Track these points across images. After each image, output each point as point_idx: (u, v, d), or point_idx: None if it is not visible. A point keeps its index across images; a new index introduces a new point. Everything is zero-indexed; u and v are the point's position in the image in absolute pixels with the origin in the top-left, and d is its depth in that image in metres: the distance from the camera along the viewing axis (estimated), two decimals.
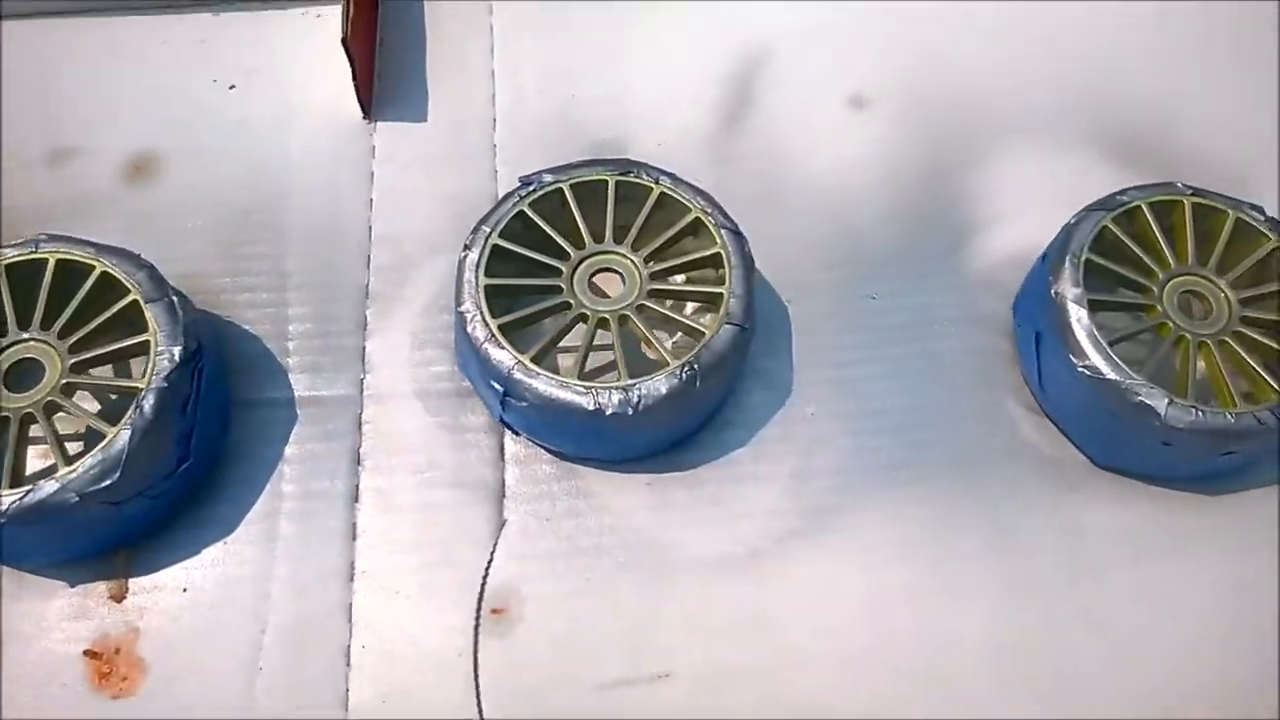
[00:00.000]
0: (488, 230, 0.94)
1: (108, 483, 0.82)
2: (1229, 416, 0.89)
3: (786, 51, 1.19)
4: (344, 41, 1.03)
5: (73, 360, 0.88)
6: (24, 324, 0.89)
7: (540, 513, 0.94)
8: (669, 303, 0.96)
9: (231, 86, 1.14)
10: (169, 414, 0.85)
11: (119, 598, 0.89)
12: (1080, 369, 0.91)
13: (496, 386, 0.89)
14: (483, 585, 0.91)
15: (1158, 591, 0.93)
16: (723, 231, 0.95)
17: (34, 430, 0.87)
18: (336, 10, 1.04)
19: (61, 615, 0.89)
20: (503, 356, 0.88)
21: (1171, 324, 0.94)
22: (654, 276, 0.95)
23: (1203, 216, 0.98)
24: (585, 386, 0.87)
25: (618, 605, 0.91)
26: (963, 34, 1.21)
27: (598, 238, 0.96)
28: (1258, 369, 0.92)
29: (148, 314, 0.88)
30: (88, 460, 0.82)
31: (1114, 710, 0.89)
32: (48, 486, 0.82)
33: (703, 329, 0.91)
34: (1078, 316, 0.92)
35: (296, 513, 0.93)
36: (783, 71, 1.18)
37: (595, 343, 0.92)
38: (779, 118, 1.15)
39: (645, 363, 0.95)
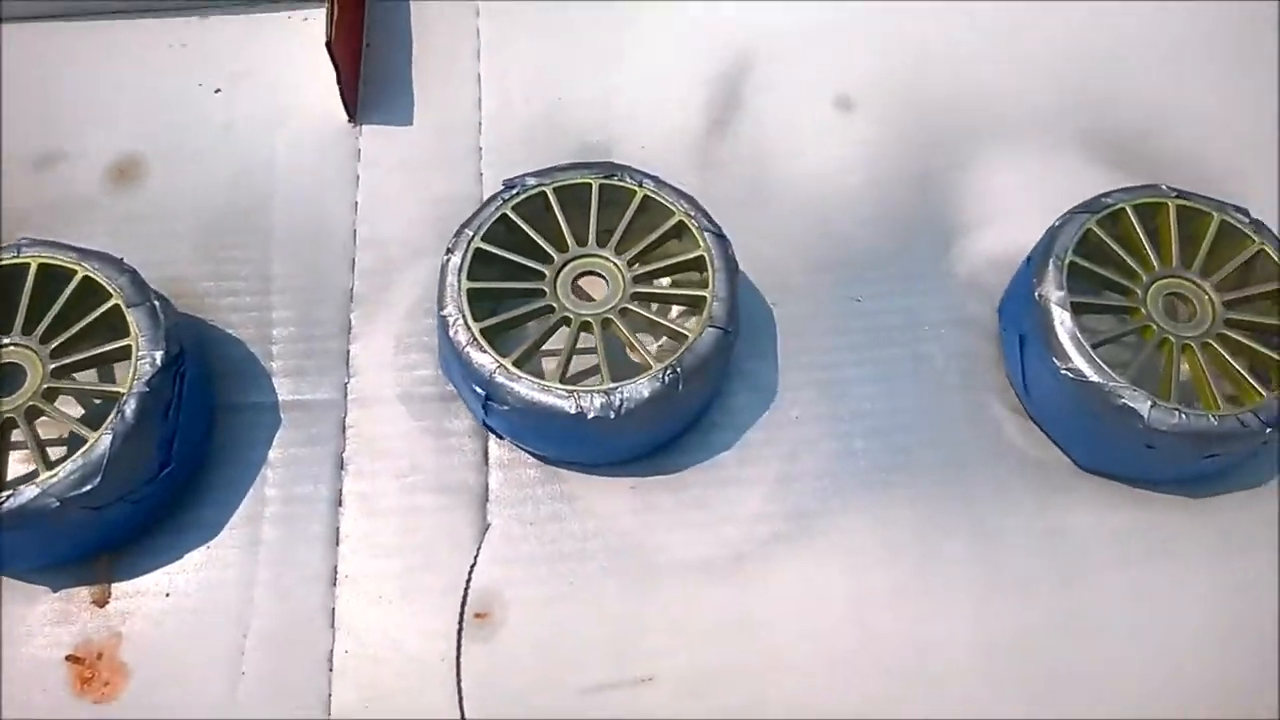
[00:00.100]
0: (470, 234, 0.94)
1: (89, 488, 0.82)
2: (1212, 419, 0.89)
3: (773, 54, 1.19)
4: (328, 45, 1.03)
5: (54, 365, 0.88)
6: (5, 329, 0.89)
7: (524, 517, 0.94)
8: (654, 306, 0.96)
9: (217, 90, 1.13)
10: (150, 419, 0.85)
11: (101, 603, 0.89)
12: (1064, 372, 0.91)
13: (479, 390, 0.89)
14: (466, 589, 0.91)
15: (1142, 593, 0.93)
16: (706, 234, 0.95)
17: (15, 435, 0.86)
18: (322, 13, 1.04)
19: (44, 620, 0.88)
20: (484, 360, 0.88)
21: (1155, 326, 0.94)
22: (637, 280, 0.95)
23: (1187, 219, 0.98)
24: (567, 390, 0.87)
25: (602, 609, 0.91)
26: (950, 37, 1.21)
27: (581, 241, 0.96)
28: (1241, 371, 0.92)
29: (129, 318, 0.88)
30: (68, 465, 0.82)
31: (1099, 712, 0.89)
32: (28, 491, 0.81)
33: (686, 332, 0.91)
34: (1061, 319, 0.92)
35: (279, 517, 0.93)
36: (769, 74, 1.18)
37: (579, 346, 0.92)
38: (765, 120, 1.15)
39: (630, 366, 0.95)
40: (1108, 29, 1.22)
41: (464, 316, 0.90)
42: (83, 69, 1.15)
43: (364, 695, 0.87)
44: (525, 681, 0.88)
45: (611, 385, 0.87)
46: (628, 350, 0.96)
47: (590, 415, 0.86)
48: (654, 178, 0.98)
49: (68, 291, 0.89)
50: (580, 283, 0.95)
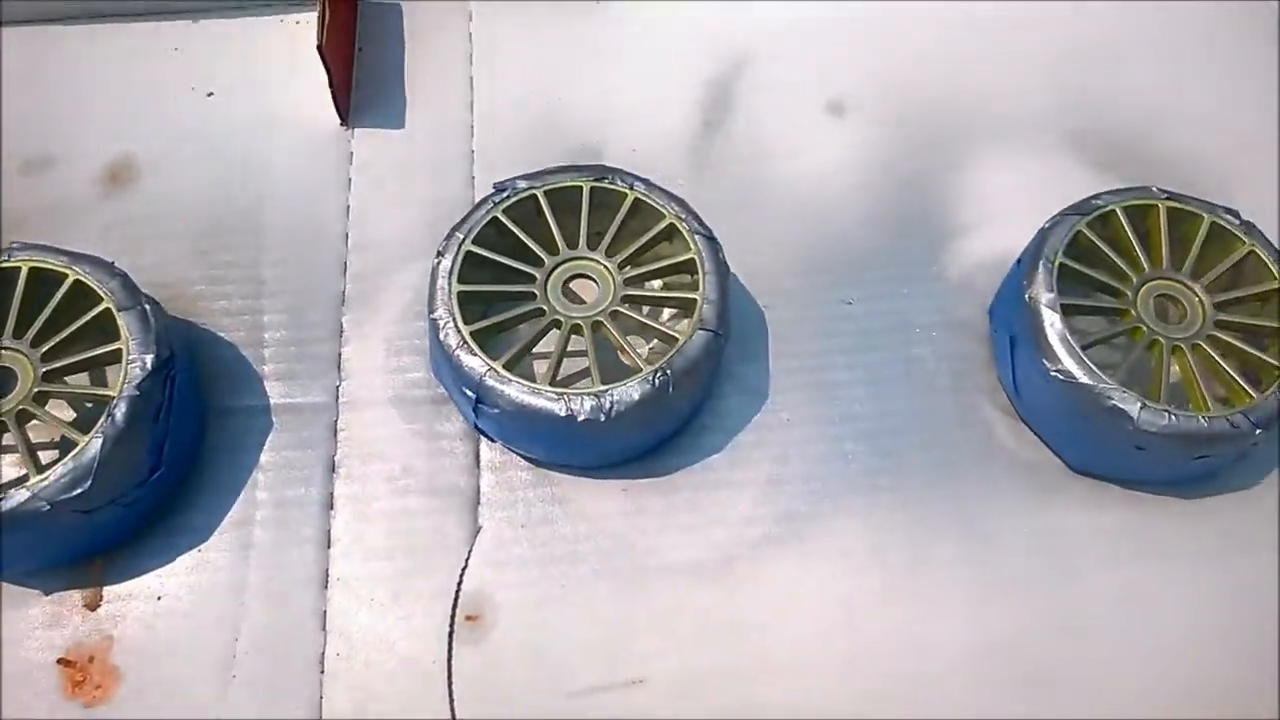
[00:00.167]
0: (461, 237, 0.94)
1: (79, 491, 0.82)
2: (1202, 420, 0.89)
3: (765, 57, 1.19)
4: (320, 48, 1.03)
5: (45, 369, 0.88)
6: None
7: (515, 519, 0.94)
8: (644, 309, 0.96)
9: (209, 93, 1.14)
10: (141, 422, 0.85)
11: (93, 606, 0.89)
12: (1054, 373, 0.91)
13: (469, 393, 0.89)
14: (457, 592, 0.91)
15: (1132, 595, 0.93)
16: (697, 237, 0.95)
17: (6, 439, 0.87)
18: (314, 17, 1.04)
19: (35, 623, 0.89)
20: (474, 363, 0.88)
21: (1145, 328, 0.94)
22: (628, 282, 0.95)
23: (1177, 221, 0.98)
24: (557, 393, 0.87)
25: (592, 612, 0.91)
26: (941, 41, 1.21)
27: (572, 244, 0.96)
28: (1231, 373, 0.92)
29: (120, 322, 0.88)
30: (59, 469, 0.82)
31: (1089, 712, 0.89)
32: (19, 495, 0.81)
33: (677, 335, 0.91)
34: (1051, 321, 0.92)
35: (271, 520, 0.93)
36: (761, 77, 1.18)
37: (570, 349, 0.92)
38: (758, 123, 1.15)
39: (620, 369, 0.95)
40: (1099, 32, 1.22)
41: (454, 319, 0.90)
42: (75, 72, 1.15)
43: (355, 698, 0.87)
44: (516, 684, 0.88)
45: (602, 388, 0.88)
46: (618, 353, 0.96)
47: (581, 418, 0.86)
48: (645, 180, 0.98)
49: (59, 295, 0.90)
50: (571, 285, 0.96)
